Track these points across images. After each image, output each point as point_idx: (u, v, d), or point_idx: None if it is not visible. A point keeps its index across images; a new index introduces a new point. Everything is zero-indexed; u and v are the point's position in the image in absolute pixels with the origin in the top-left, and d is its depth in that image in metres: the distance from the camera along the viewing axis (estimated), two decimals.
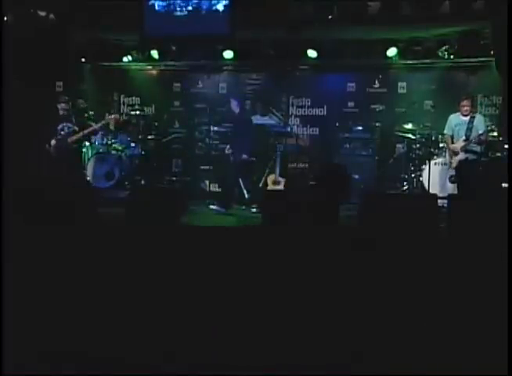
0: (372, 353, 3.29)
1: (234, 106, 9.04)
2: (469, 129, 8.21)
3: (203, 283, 4.35)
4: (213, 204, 8.60)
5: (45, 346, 3.35)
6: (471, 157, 8.23)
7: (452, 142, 8.38)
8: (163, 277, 4.46)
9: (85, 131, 8.53)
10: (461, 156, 8.24)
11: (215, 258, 4.87)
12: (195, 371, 3.14)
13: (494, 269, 3.79)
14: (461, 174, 8.28)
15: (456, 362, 3.18)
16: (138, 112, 10.37)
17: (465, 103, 8.27)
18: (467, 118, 8.28)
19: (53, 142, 8.36)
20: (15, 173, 6.26)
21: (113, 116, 9.03)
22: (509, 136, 7.70)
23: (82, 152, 9.21)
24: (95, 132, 8.98)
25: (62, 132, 8.42)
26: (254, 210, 8.41)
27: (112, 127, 9.66)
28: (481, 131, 8.12)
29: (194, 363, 3.22)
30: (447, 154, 8.53)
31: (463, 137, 8.23)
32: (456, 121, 8.39)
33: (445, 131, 8.52)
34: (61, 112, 8.48)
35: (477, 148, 8.26)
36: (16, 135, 7.75)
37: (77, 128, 8.43)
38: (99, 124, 8.76)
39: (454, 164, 8.33)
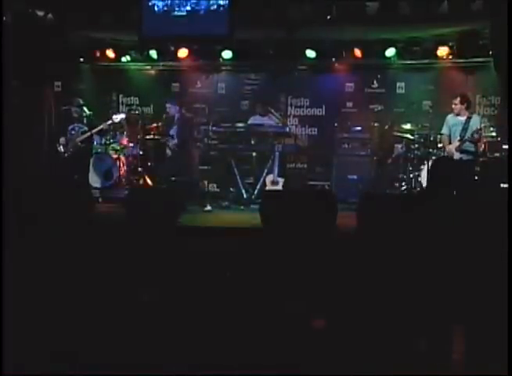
0: (372, 353, 3.29)
1: (173, 110, 9.24)
2: (464, 130, 8.24)
3: (201, 283, 4.35)
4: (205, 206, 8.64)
5: (45, 346, 3.35)
6: (466, 157, 8.24)
7: (450, 143, 8.40)
8: (162, 277, 4.46)
9: (94, 131, 8.71)
10: (456, 156, 8.25)
11: (214, 258, 4.87)
12: (195, 371, 3.14)
13: (494, 269, 3.79)
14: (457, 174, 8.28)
15: (456, 362, 3.19)
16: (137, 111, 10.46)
17: (455, 101, 8.31)
18: (464, 118, 8.31)
19: (62, 140, 8.57)
20: (14, 173, 6.25)
21: (121, 115, 9.13)
22: (509, 136, 7.70)
23: (91, 152, 9.30)
24: (102, 132, 9.13)
25: (73, 132, 8.63)
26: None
27: (123, 125, 9.73)
28: (474, 130, 8.14)
29: (194, 363, 3.22)
30: (445, 154, 8.54)
31: (458, 137, 8.25)
32: (453, 121, 8.42)
33: (443, 131, 8.54)
34: (73, 114, 8.70)
35: (472, 148, 8.27)
36: (14, 135, 7.76)
37: (86, 128, 8.63)
38: (107, 123, 8.88)
39: None
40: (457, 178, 5.90)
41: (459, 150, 8.23)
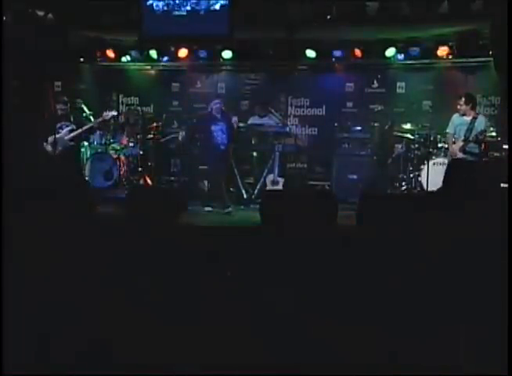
0: (372, 354, 3.29)
1: (219, 107, 8.95)
2: (469, 130, 8.19)
3: (201, 282, 4.34)
4: (208, 206, 8.63)
5: (45, 346, 3.35)
6: (469, 158, 8.21)
7: (454, 142, 8.37)
8: (162, 277, 4.45)
9: (84, 129, 8.64)
10: (460, 156, 8.23)
11: (214, 258, 4.86)
12: (194, 371, 3.14)
13: (494, 270, 3.79)
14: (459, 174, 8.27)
15: (456, 362, 3.19)
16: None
17: (460, 102, 8.29)
18: (469, 119, 8.26)
19: (51, 140, 8.45)
20: (14, 173, 6.26)
21: (112, 112, 9.08)
22: (509, 136, 7.69)
23: (80, 150, 9.24)
24: (92, 130, 9.05)
25: (60, 130, 8.53)
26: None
27: (110, 124, 9.67)
28: (478, 131, 8.12)
29: (193, 363, 3.22)
30: (448, 153, 8.51)
31: (462, 137, 8.23)
32: (459, 120, 8.37)
33: (448, 130, 8.48)
34: (59, 112, 8.58)
35: (476, 149, 8.24)
36: (14, 135, 7.76)
37: (75, 127, 8.54)
38: (97, 121, 8.83)
39: None
40: (473, 181, 5.93)
41: (463, 150, 8.21)
